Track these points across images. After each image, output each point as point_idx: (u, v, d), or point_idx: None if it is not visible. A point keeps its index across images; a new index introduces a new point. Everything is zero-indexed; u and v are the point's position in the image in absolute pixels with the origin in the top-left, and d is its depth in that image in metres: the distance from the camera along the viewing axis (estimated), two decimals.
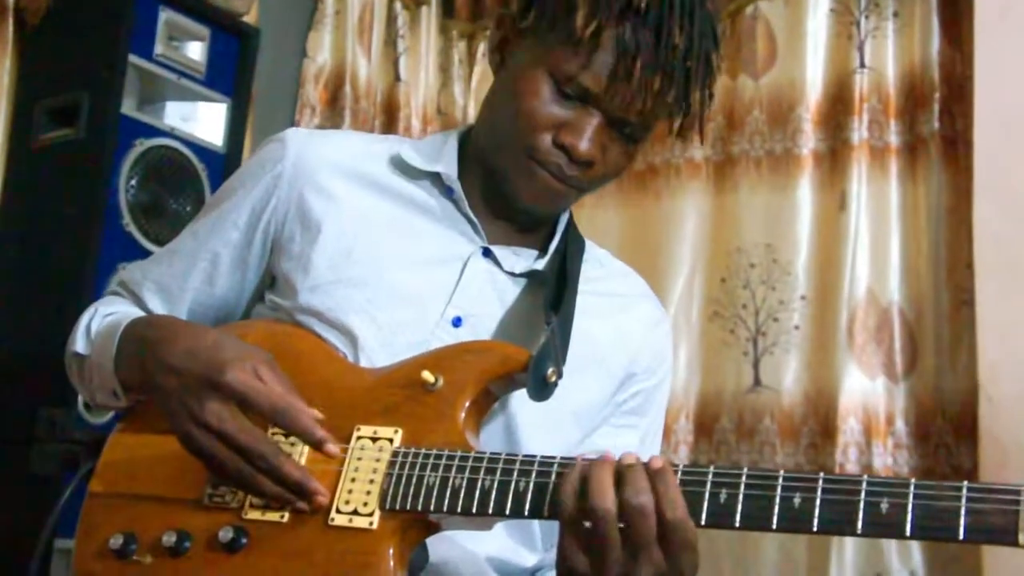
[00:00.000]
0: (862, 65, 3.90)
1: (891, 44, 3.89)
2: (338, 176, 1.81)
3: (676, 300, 4.03)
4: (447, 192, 1.80)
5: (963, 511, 1.28)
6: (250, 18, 3.84)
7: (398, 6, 4.55)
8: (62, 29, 3.45)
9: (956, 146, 3.70)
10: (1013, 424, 3.22)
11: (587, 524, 1.39)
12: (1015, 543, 1.25)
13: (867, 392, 3.74)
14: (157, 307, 1.86)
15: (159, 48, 3.47)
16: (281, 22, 4.25)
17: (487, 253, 1.78)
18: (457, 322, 1.72)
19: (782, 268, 3.91)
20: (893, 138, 3.84)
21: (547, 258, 1.80)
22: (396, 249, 1.76)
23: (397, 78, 4.52)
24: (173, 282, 1.86)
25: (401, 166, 1.83)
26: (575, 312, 1.75)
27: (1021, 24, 3.45)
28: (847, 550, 3.63)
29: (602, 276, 1.89)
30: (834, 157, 3.89)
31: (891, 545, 3.61)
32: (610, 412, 1.84)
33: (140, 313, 1.81)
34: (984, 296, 3.40)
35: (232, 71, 3.72)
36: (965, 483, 1.29)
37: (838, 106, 3.92)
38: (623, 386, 1.84)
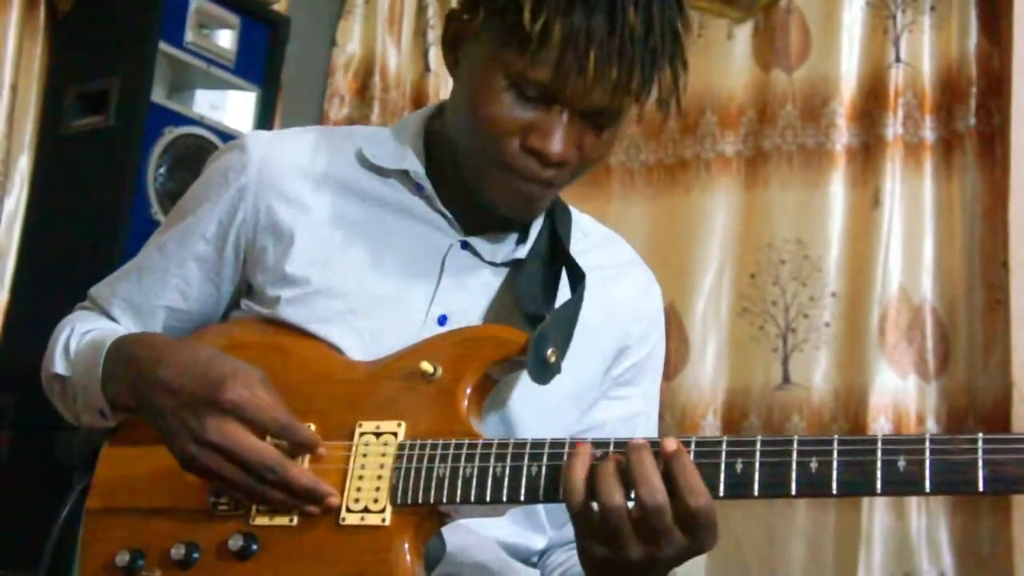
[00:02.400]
0: (898, 59, 3.90)
1: (927, 38, 3.89)
2: (305, 181, 1.78)
3: (705, 295, 4.02)
4: (417, 188, 1.76)
5: (980, 463, 1.28)
6: (280, 6, 3.89)
7: None
8: (93, 16, 3.51)
9: (993, 143, 3.69)
10: None
11: (600, 521, 1.40)
12: None
13: (898, 391, 3.73)
14: (129, 325, 1.83)
15: (189, 36, 3.51)
16: (311, 11, 4.30)
17: (465, 246, 1.75)
18: (443, 320, 1.70)
19: (813, 264, 3.90)
20: (928, 134, 3.83)
21: (529, 244, 1.76)
22: (372, 253, 1.73)
23: (427, 68, 4.53)
24: (144, 300, 1.83)
25: (368, 163, 1.79)
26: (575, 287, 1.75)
27: None
28: (876, 550, 3.63)
29: (587, 248, 1.82)
30: (867, 153, 3.89)
31: (921, 545, 3.62)
32: (606, 387, 1.82)
33: (120, 330, 1.80)
34: (1019, 295, 3.44)
35: (262, 60, 3.75)
36: (980, 434, 1.30)
37: (872, 101, 3.91)
38: (617, 360, 1.83)
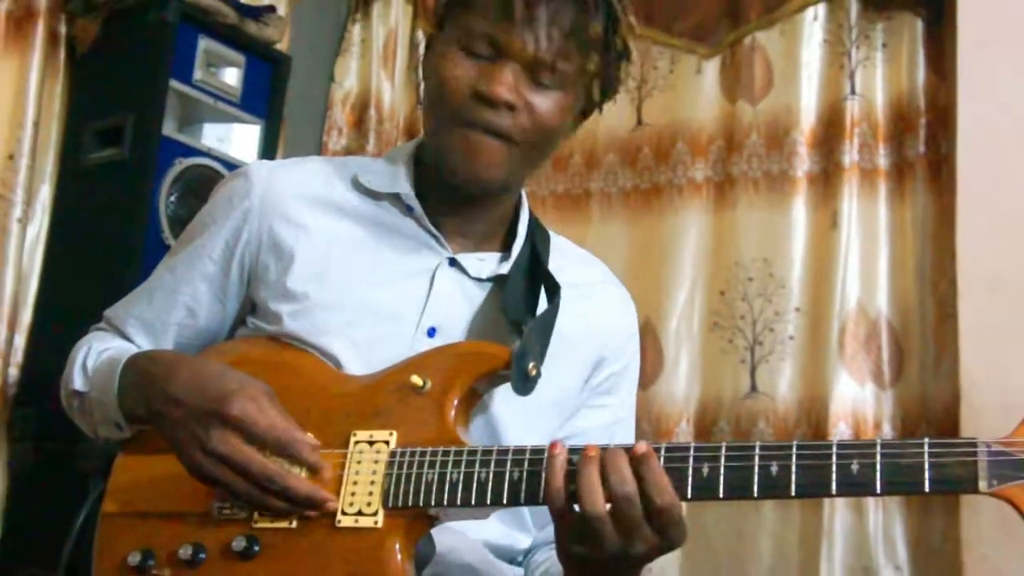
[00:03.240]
0: (853, 92, 3.90)
1: (880, 73, 3.90)
2: (304, 205, 1.78)
3: (678, 311, 4.01)
4: (408, 210, 1.77)
5: (927, 466, 1.30)
6: (282, 46, 3.88)
7: (419, 35, 4.57)
8: (109, 56, 3.50)
9: (940, 169, 3.70)
10: (993, 430, 3.11)
11: (579, 519, 1.41)
12: (976, 491, 1.28)
13: (856, 398, 3.74)
14: (143, 343, 1.84)
15: (198, 74, 3.52)
16: (311, 49, 4.30)
17: (453, 263, 1.76)
18: (432, 332, 1.71)
19: (777, 282, 3.89)
20: (882, 161, 3.85)
21: (511, 261, 1.77)
22: (367, 269, 1.74)
23: (419, 102, 4.50)
24: (156, 318, 1.83)
25: (362, 188, 1.80)
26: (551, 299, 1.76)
27: (1000, 55, 3.45)
28: (837, 546, 3.64)
29: (565, 266, 1.84)
30: (827, 178, 3.89)
31: (878, 541, 3.62)
32: (586, 396, 1.83)
33: (134, 348, 1.80)
34: (966, 310, 3.39)
35: (265, 95, 3.75)
36: (926, 439, 1.32)
37: (830, 131, 3.92)
38: (595, 371, 1.84)
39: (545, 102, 1.66)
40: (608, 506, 1.39)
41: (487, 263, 1.79)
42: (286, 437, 1.54)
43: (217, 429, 1.53)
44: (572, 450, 1.45)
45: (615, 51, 1.69)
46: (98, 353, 1.78)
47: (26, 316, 3.45)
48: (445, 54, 1.66)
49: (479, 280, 1.77)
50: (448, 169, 1.69)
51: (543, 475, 1.46)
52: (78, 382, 1.76)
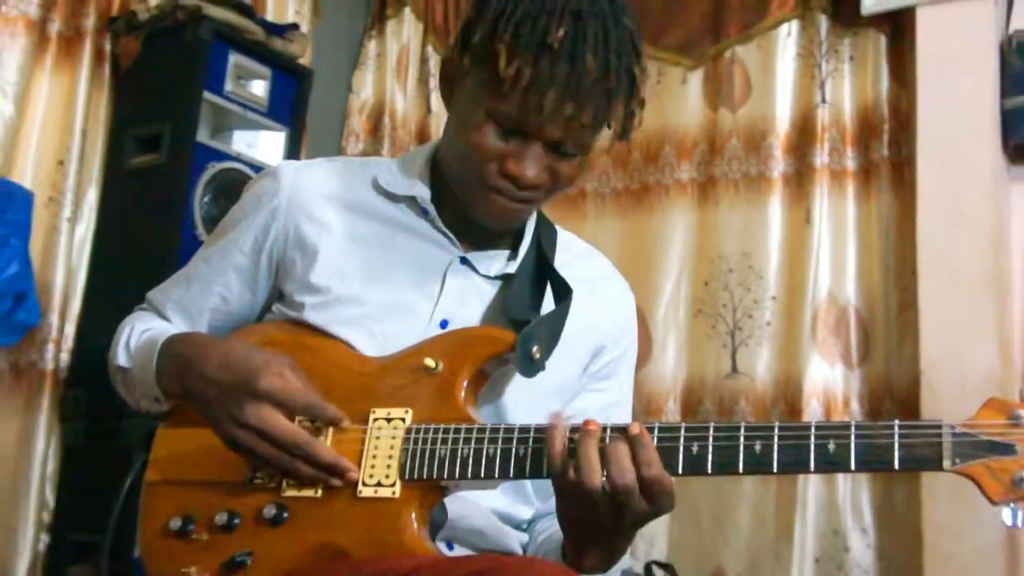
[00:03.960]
0: (823, 101, 3.92)
1: (848, 84, 3.91)
2: (328, 204, 1.76)
3: (666, 299, 4.05)
4: (423, 212, 1.74)
5: (897, 446, 1.31)
6: (305, 60, 3.88)
7: (429, 49, 4.58)
8: (149, 71, 3.52)
9: (903, 170, 3.73)
10: (950, 407, 3.16)
11: (578, 490, 1.41)
12: (941, 469, 1.29)
13: (827, 379, 3.76)
14: (180, 324, 1.82)
15: (229, 86, 3.54)
16: (331, 63, 4.32)
17: (464, 261, 1.74)
18: (444, 324, 1.68)
19: (756, 273, 3.92)
20: (850, 163, 3.86)
21: (519, 260, 1.74)
22: (384, 266, 1.72)
23: (429, 110, 4.56)
24: (192, 304, 1.81)
25: (381, 190, 1.77)
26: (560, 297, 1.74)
27: (956, 68, 3.50)
28: (809, 512, 3.67)
29: (570, 261, 1.80)
30: (800, 179, 3.91)
31: (847, 507, 3.66)
32: (586, 381, 1.80)
33: (172, 329, 1.78)
34: (926, 298, 3.45)
35: (289, 105, 3.76)
36: (896, 421, 1.33)
37: (803, 136, 3.94)
38: (595, 358, 1.81)
39: (568, 167, 1.63)
40: (604, 479, 1.40)
41: (496, 261, 1.76)
42: (310, 401, 1.55)
43: (247, 403, 1.54)
44: (573, 428, 1.45)
45: (636, 115, 1.63)
46: (140, 333, 1.77)
47: (75, 306, 3.46)
48: (476, 120, 1.60)
49: (488, 277, 1.74)
50: (474, 214, 1.68)
51: (545, 452, 1.45)
52: (122, 359, 1.75)
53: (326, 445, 1.55)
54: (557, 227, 1.87)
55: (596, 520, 1.43)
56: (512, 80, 1.52)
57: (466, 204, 1.69)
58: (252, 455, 1.56)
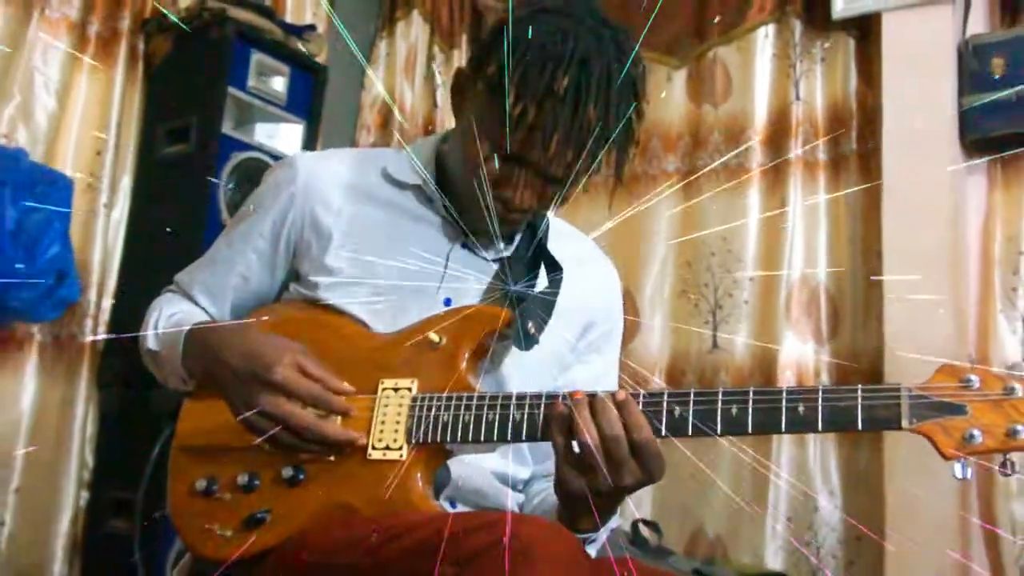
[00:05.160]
0: (797, 98, 3.93)
1: (819, 82, 3.92)
2: (341, 191, 1.76)
3: (652, 280, 4.05)
4: (428, 199, 1.75)
5: (860, 408, 1.32)
6: (321, 59, 3.88)
7: (436, 49, 4.57)
8: (178, 69, 3.55)
9: (869, 161, 3.73)
10: (911, 377, 3.05)
11: (576, 452, 1.42)
12: (899, 428, 1.30)
13: (800, 352, 3.77)
14: (206, 304, 1.82)
15: (251, 82, 3.56)
16: (345, 62, 4.28)
17: (465, 245, 1.74)
18: (448, 303, 1.69)
19: (735, 256, 3.93)
20: (821, 155, 3.87)
21: (514, 244, 1.76)
22: (392, 249, 1.71)
23: (435, 105, 4.55)
24: (216, 284, 1.82)
25: (390, 178, 1.77)
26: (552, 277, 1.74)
27: (918, 68, 3.52)
28: (783, 470, 3.69)
29: (561, 243, 1.80)
30: (776, 170, 3.91)
31: (816, 469, 3.68)
32: (577, 353, 1.81)
33: (198, 314, 1.80)
34: (890, 280, 3.48)
35: (307, 100, 3.76)
36: (859, 386, 1.34)
37: (779, 130, 3.94)
38: (585, 332, 1.82)
39: (557, 191, 1.63)
40: (599, 442, 1.41)
41: (494, 244, 1.76)
42: (319, 394, 1.55)
43: (262, 392, 1.54)
44: (567, 396, 1.46)
45: (628, 157, 1.63)
46: (167, 317, 1.77)
47: (111, 283, 3.49)
48: (480, 144, 1.60)
49: (487, 260, 1.75)
50: (477, 211, 1.66)
51: (541, 417, 1.47)
52: (151, 341, 1.75)
53: (334, 425, 1.56)
54: (548, 214, 1.85)
55: (592, 484, 1.43)
56: (517, 119, 1.53)
57: (468, 211, 1.69)
58: (265, 437, 1.56)
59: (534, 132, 1.53)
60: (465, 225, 1.74)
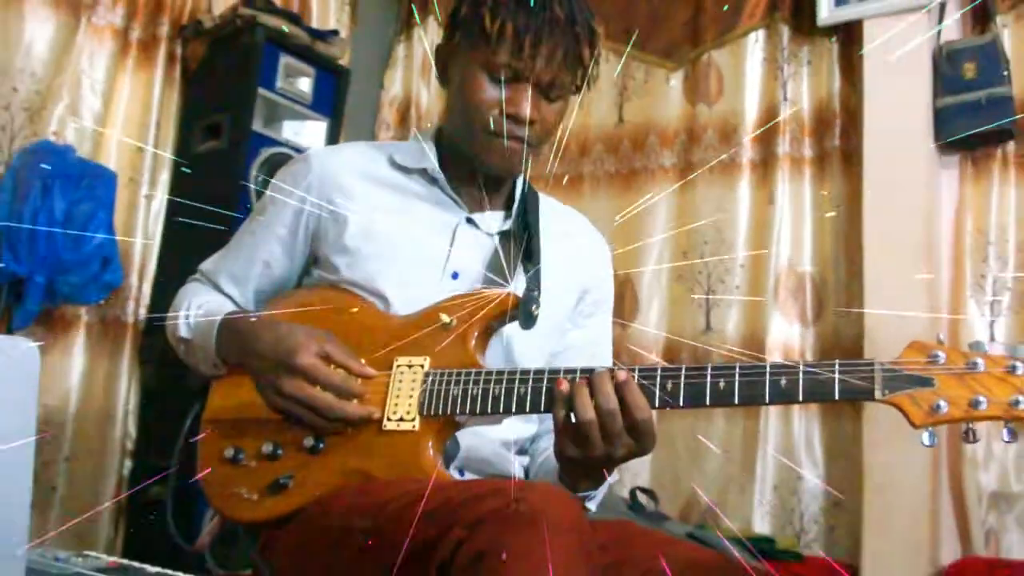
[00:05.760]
0: (785, 98, 3.94)
1: (806, 84, 3.92)
2: (354, 178, 1.76)
3: (651, 267, 4.05)
4: (433, 181, 1.77)
5: (836, 380, 1.33)
6: (343, 61, 3.93)
7: None
8: (212, 71, 3.60)
9: (851, 157, 3.72)
10: (888, 356, 3.03)
11: (575, 427, 1.43)
12: (873, 399, 1.32)
13: (787, 334, 3.78)
14: (231, 291, 1.83)
15: (279, 83, 3.60)
16: (365, 64, 4.35)
17: (469, 221, 1.76)
18: (455, 275, 1.70)
19: (727, 245, 3.92)
20: (807, 151, 3.87)
21: (512, 219, 1.77)
22: (403, 228, 1.73)
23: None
24: (240, 272, 1.81)
25: (397, 165, 1.79)
26: (542, 255, 1.75)
27: (896, 72, 3.49)
28: (769, 447, 3.71)
29: (555, 219, 1.84)
30: (765, 165, 3.92)
31: (800, 443, 3.70)
32: (574, 319, 1.83)
33: (226, 304, 1.79)
34: (870, 267, 3.47)
35: (330, 99, 3.79)
36: (837, 361, 1.35)
37: (768, 128, 3.94)
38: (580, 300, 1.83)
39: (552, 112, 1.67)
40: (596, 418, 1.41)
41: (495, 220, 1.78)
42: (339, 380, 1.57)
43: (288, 377, 1.56)
44: (568, 371, 1.47)
45: (596, 60, 1.69)
46: (197, 307, 1.76)
47: (151, 268, 3.54)
48: (473, 77, 1.65)
49: (489, 234, 1.76)
50: (480, 163, 1.71)
51: (544, 391, 1.48)
52: (183, 331, 1.75)
53: (354, 404, 1.57)
54: (540, 193, 1.89)
55: (589, 456, 1.44)
56: (498, 33, 1.60)
57: (474, 157, 1.71)
58: (290, 418, 1.59)
59: (514, 40, 1.60)
60: (467, 202, 1.77)
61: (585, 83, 1.70)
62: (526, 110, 1.63)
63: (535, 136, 1.68)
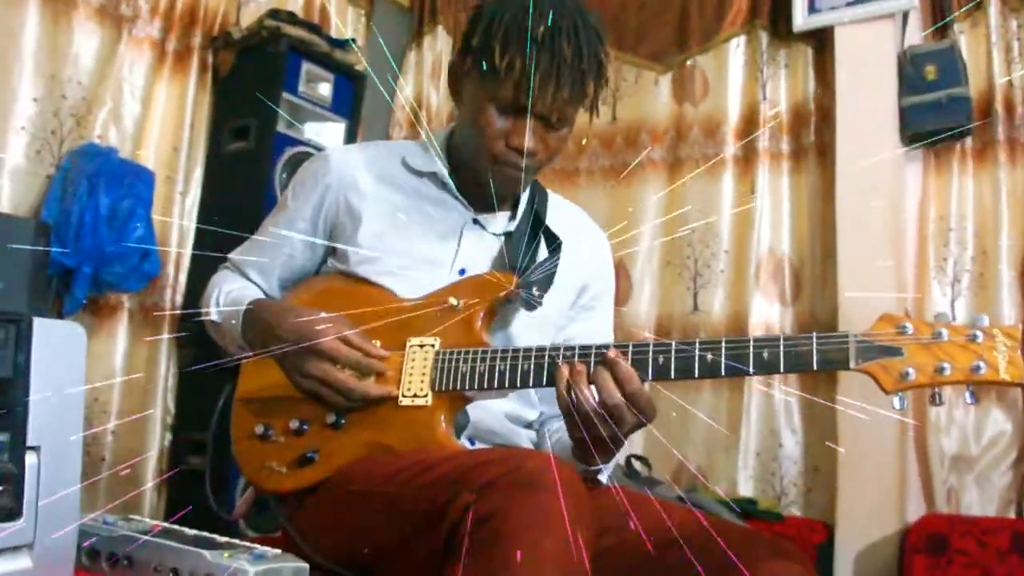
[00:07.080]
0: (764, 98, 3.94)
1: (783, 85, 3.92)
2: (369, 178, 1.74)
3: (643, 253, 4.05)
4: (442, 185, 1.74)
5: (814, 351, 1.32)
6: (360, 68, 3.84)
7: None
8: (241, 77, 3.56)
9: (825, 152, 3.73)
10: (859, 329, 3.05)
11: (580, 414, 1.42)
12: (848, 368, 1.31)
13: (767, 313, 3.80)
14: (257, 279, 1.82)
15: (302, 87, 3.58)
16: (380, 70, 4.25)
17: (476, 222, 1.74)
18: (463, 272, 1.68)
19: (713, 232, 3.93)
20: (785, 147, 3.88)
21: (517, 220, 1.75)
22: (414, 228, 1.71)
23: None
24: (265, 263, 1.80)
25: (409, 167, 1.77)
26: (551, 248, 1.74)
27: (865, 73, 3.51)
28: (752, 417, 3.71)
29: (559, 215, 1.82)
30: (747, 159, 3.92)
31: (781, 413, 3.70)
32: (575, 312, 1.81)
33: (253, 290, 1.78)
34: (842, 251, 3.48)
35: (348, 102, 3.76)
36: (814, 334, 1.34)
37: (749, 125, 3.94)
38: (581, 294, 1.81)
39: (556, 139, 1.64)
40: (597, 403, 1.40)
41: (500, 221, 1.76)
42: (359, 359, 1.56)
43: (311, 359, 1.55)
44: (567, 349, 1.46)
45: (601, 90, 1.65)
46: (226, 293, 1.75)
47: (186, 260, 3.51)
48: (482, 107, 1.61)
49: (495, 234, 1.74)
50: (484, 181, 1.67)
51: (545, 367, 1.47)
52: (213, 315, 1.75)
53: (372, 384, 1.57)
54: (548, 191, 1.88)
55: (597, 435, 1.43)
56: (506, 69, 1.54)
57: (479, 176, 1.67)
58: (315, 397, 1.58)
59: (522, 77, 1.54)
60: (474, 204, 1.74)
61: (592, 107, 1.67)
62: (529, 143, 1.60)
63: (536, 164, 1.65)
